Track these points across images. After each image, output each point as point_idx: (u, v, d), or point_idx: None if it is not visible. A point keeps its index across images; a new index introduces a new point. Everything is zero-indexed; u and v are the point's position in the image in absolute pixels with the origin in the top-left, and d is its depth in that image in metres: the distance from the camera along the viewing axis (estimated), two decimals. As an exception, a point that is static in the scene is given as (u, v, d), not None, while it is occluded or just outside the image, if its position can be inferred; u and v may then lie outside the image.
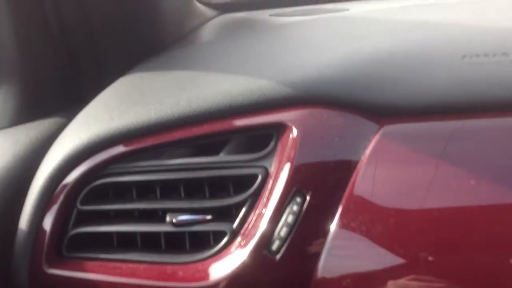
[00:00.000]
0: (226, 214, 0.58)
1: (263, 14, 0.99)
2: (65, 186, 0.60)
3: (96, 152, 0.60)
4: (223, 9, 1.06)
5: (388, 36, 0.72)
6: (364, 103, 0.58)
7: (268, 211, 0.55)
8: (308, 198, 0.55)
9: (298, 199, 0.55)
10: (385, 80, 0.60)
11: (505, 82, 0.57)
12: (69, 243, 0.61)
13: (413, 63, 0.62)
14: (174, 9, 0.89)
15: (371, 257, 0.52)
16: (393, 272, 0.52)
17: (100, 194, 0.61)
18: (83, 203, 0.61)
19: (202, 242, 0.58)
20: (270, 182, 0.57)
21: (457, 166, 0.53)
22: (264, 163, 0.58)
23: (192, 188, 0.60)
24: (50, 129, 0.73)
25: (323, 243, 0.54)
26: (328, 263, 0.53)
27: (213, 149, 0.60)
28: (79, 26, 0.79)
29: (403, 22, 0.77)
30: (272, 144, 0.58)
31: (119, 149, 0.60)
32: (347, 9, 0.95)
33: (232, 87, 0.62)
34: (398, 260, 0.52)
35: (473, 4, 0.84)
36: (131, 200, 0.61)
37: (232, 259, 0.56)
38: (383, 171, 0.54)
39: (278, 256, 0.54)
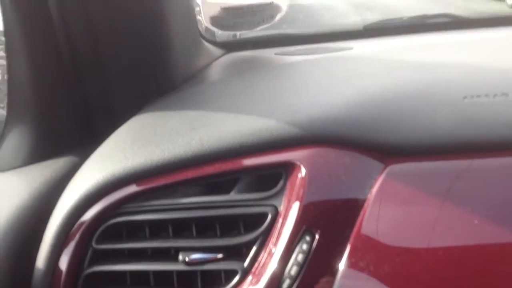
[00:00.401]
0: (237, 252, 0.60)
1: (269, 53, 1.02)
2: (81, 224, 0.62)
3: (111, 191, 0.62)
4: (229, 47, 1.09)
5: (391, 76, 0.74)
6: (369, 142, 0.60)
7: (278, 250, 0.57)
8: (317, 236, 0.56)
9: (308, 238, 0.56)
10: (389, 120, 0.62)
11: (506, 122, 0.59)
12: (84, 282, 0.62)
13: (416, 104, 0.64)
14: (183, 49, 0.91)
15: None
16: None
17: (114, 233, 0.63)
18: (98, 241, 0.62)
19: (214, 281, 0.60)
20: (280, 220, 0.58)
21: (461, 205, 0.54)
22: (274, 201, 0.60)
23: (204, 226, 0.61)
24: (64, 168, 0.75)
25: (332, 282, 0.55)
26: None
27: (224, 187, 0.62)
28: (93, 66, 0.81)
29: (405, 62, 0.80)
30: (281, 183, 0.60)
31: (133, 188, 0.62)
32: (351, 48, 0.98)
33: (242, 127, 0.64)
34: None
35: (472, 44, 0.87)
36: (144, 239, 0.62)
37: (243, 298, 0.57)
38: (389, 210, 0.56)
39: None
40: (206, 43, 1.04)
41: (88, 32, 0.78)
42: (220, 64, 0.99)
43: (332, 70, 0.83)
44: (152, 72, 0.85)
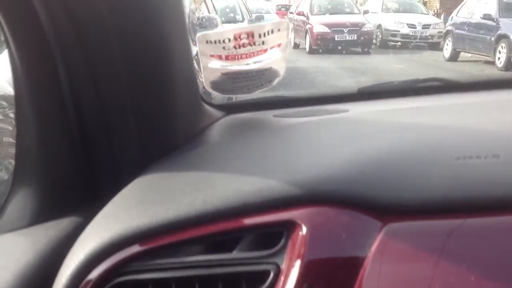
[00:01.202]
0: None
1: (267, 115, 1.06)
2: (87, 283, 0.63)
3: (116, 251, 0.64)
4: (228, 109, 1.12)
5: (386, 137, 0.77)
6: (367, 202, 0.63)
7: None
8: None
9: None
10: (386, 180, 0.64)
11: (497, 183, 0.61)
12: None
13: (410, 164, 0.67)
14: (186, 110, 0.95)
15: None
16: None
17: None
18: None
19: None
20: (282, 278, 0.60)
21: (457, 263, 0.56)
22: (276, 259, 0.61)
23: (207, 285, 0.63)
24: (68, 228, 0.76)
25: None
26: None
27: (227, 246, 0.63)
28: (98, 129, 0.84)
29: (399, 124, 0.84)
30: (283, 241, 0.62)
31: (138, 247, 0.64)
32: (347, 110, 1.02)
33: (244, 187, 0.66)
34: None
35: (463, 107, 0.91)
36: (148, 298, 0.63)
37: None
38: (389, 268, 0.58)
39: None
40: (206, 105, 1.07)
41: (95, 97, 0.81)
42: (220, 125, 1.03)
43: (329, 132, 0.86)
44: (155, 133, 0.88)
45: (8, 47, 0.76)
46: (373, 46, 14.24)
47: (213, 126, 1.02)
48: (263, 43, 0.95)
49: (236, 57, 0.96)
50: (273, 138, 0.88)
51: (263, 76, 1.02)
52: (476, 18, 12.30)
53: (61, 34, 0.76)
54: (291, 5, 30.70)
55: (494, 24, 11.54)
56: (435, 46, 13.96)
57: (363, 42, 13.82)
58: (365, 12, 16.41)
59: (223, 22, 7.30)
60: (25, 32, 0.75)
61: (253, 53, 0.96)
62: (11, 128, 1.19)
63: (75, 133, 0.83)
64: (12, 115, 1.19)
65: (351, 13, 15.35)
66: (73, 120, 0.83)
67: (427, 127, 0.80)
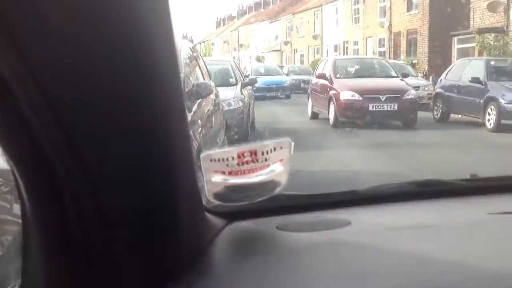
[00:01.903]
0: None
1: (270, 226, 1.06)
2: None
3: None
4: (230, 217, 1.13)
5: (390, 275, 0.78)
6: None
7: None
8: None
9: None
10: None
11: None
12: None
13: None
14: (189, 226, 0.95)
15: None
16: None
17: None
18: None
19: None
20: None
21: None
22: None
23: None
24: None
25: None
26: None
27: None
28: (102, 253, 0.84)
29: (407, 252, 0.84)
30: None
31: None
32: (349, 223, 1.02)
33: None
34: None
35: (467, 227, 0.92)
36: None
37: None
38: None
39: None
40: (208, 215, 1.07)
41: (99, 226, 0.81)
42: (224, 241, 1.03)
43: (332, 258, 0.87)
44: (161, 255, 0.88)
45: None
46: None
47: (216, 242, 1.02)
48: (265, 159, 0.97)
49: (239, 172, 0.97)
50: (278, 261, 0.88)
51: (266, 187, 1.03)
52: (465, 81, 12.60)
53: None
54: (283, 66, 31.52)
55: (482, 87, 11.81)
56: (425, 107, 14.23)
57: (406, 114, 11.13)
58: (404, 75, 13.19)
59: (217, 86, 7.42)
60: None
61: (256, 168, 0.98)
62: (8, 206, 1.18)
63: (80, 259, 0.83)
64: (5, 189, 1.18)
65: (388, 76, 12.56)
66: (79, 251, 0.83)
67: (436, 253, 0.80)
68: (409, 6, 26.00)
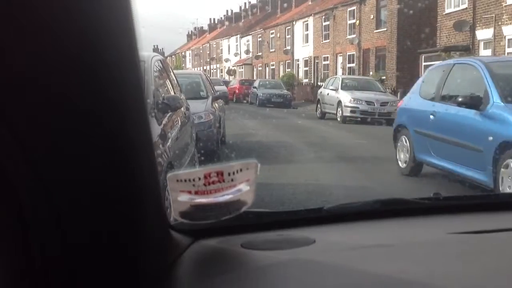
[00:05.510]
0: None
1: (236, 245, 1.07)
2: None
3: None
4: (195, 235, 1.13)
5: None
6: None
7: None
8: None
9: None
10: None
11: None
12: None
13: None
14: (152, 244, 0.95)
15: None
16: None
17: None
18: None
19: None
20: None
21: None
22: None
23: None
24: None
25: None
26: None
27: None
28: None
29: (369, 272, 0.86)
30: None
31: None
32: (313, 241, 1.04)
33: None
34: None
35: (431, 246, 0.94)
36: None
37: None
38: None
39: None
40: (173, 233, 1.08)
41: (61, 250, 0.81)
42: (189, 258, 1.03)
43: (295, 277, 0.88)
44: (125, 273, 0.87)
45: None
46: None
47: (181, 260, 1.02)
48: (232, 180, 0.98)
49: (206, 192, 0.98)
50: (244, 280, 0.89)
51: (232, 206, 1.04)
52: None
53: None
54: (254, 80, 31.69)
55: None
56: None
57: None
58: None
59: (187, 99, 7.39)
60: None
61: (222, 188, 0.99)
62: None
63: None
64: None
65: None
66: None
67: (394, 278, 0.82)
68: (378, 24, 26.50)
